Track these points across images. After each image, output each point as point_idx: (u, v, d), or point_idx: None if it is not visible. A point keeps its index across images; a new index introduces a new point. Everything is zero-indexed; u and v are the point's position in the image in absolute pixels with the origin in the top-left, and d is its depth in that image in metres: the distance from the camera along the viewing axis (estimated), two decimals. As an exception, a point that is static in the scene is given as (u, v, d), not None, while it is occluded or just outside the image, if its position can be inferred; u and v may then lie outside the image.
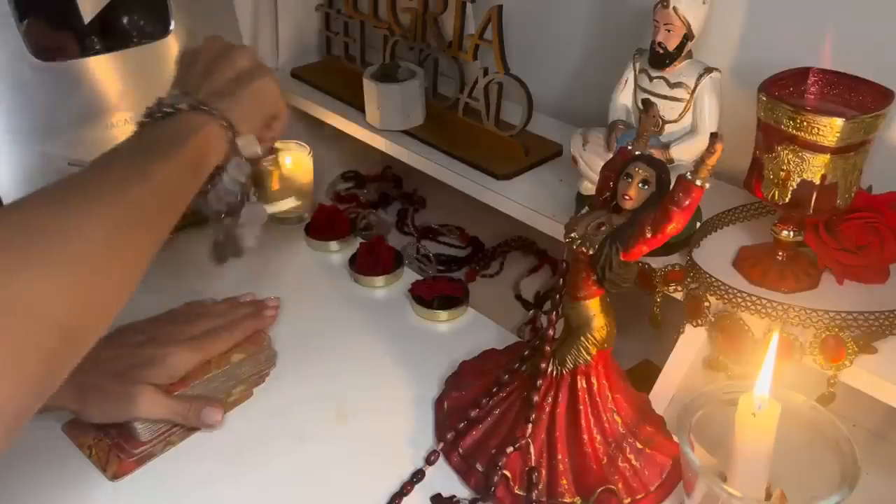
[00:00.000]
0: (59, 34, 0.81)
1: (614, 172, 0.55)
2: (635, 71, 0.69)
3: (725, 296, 0.63)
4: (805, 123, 0.56)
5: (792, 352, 0.60)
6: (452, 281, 0.82)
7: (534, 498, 0.58)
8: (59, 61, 0.79)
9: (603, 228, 0.55)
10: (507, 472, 0.59)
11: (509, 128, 0.86)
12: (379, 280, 0.84)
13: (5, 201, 0.75)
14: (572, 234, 0.56)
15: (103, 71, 0.81)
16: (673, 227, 0.51)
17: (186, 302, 0.78)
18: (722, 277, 0.64)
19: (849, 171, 0.59)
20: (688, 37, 0.64)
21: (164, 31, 0.85)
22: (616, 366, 0.62)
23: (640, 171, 0.53)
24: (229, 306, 0.76)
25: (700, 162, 0.48)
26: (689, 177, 0.49)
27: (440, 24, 0.91)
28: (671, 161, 0.66)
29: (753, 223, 0.72)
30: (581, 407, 0.59)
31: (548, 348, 0.60)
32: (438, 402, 0.69)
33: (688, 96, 0.66)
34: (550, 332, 0.60)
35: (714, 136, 0.47)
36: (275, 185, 0.72)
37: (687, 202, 0.49)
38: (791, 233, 0.64)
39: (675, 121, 0.67)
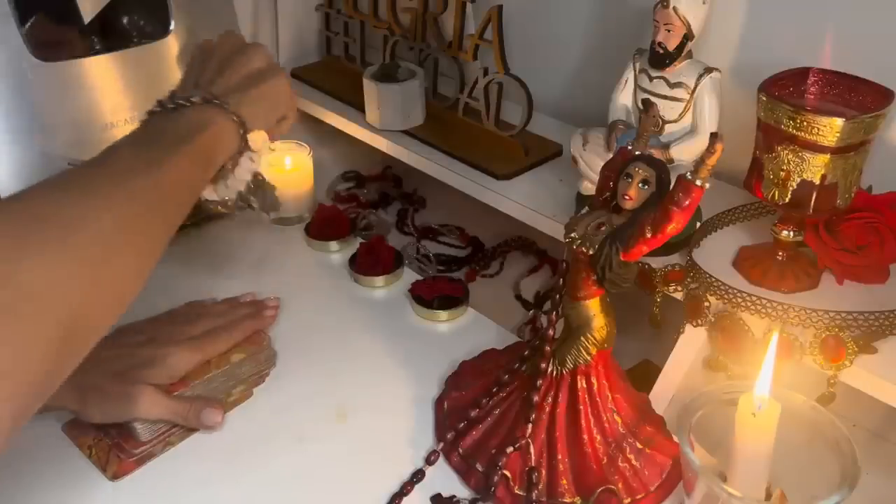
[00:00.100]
0: (59, 34, 0.81)
1: (614, 172, 0.55)
2: (635, 71, 0.69)
3: (725, 296, 0.63)
4: (805, 123, 0.56)
5: (792, 352, 0.60)
6: (452, 281, 0.82)
7: (534, 498, 0.58)
8: (59, 61, 0.79)
9: (603, 228, 0.55)
10: (507, 472, 0.60)
11: (509, 128, 0.86)
12: (379, 280, 0.84)
13: (5, 201, 0.75)
14: (572, 234, 0.56)
15: (103, 71, 0.81)
16: (673, 227, 0.51)
17: (186, 302, 0.78)
18: (722, 277, 0.64)
19: (849, 171, 0.59)
20: (688, 37, 0.64)
21: (164, 31, 0.85)
22: (616, 366, 0.62)
23: (640, 171, 0.53)
24: (229, 306, 0.76)
25: (700, 162, 0.48)
26: (689, 177, 0.49)
27: (440, 24, 0.91)
28: (671, 161, 0.66)
29: (753, 223, 0.72)
30: (581, 407, 0.59)
31: (548, 348, 0.60)
32: (438, 402, 0.69)
33: (688, 96, 0.66)
34: (550, 332, 0.60)
35: (714, 136, 0.47)
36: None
37: (687, 202, 0.49)
38: (791, 233, 0.64)
39: (675, 121, 0.67)
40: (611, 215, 0.56)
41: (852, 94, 0.60)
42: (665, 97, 0.66)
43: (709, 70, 0.65)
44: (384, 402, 0.70)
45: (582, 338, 0.58)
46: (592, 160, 0.71)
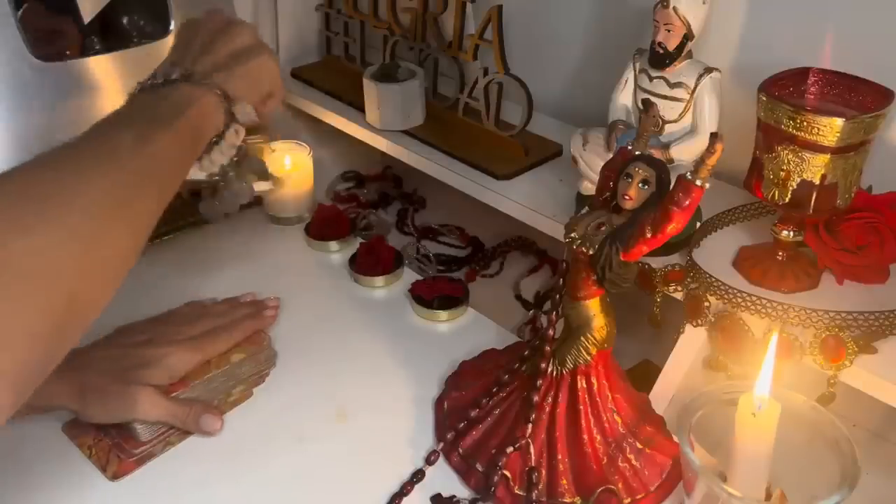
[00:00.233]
0: (58, 34, 0.81)
1: (614, 172, 0.55)
2: (635, 71, 0.69)
3: (725, 296, 0.63)
4: (805, 123, 0.56)
5: (792, 352, 0.60)
6: (452, 281, 0.82)
7: (534, 498, 0.58)
8: (59, 61, 0.79)
9: (603, 228, 0.55)
10: (507, 472, 0.59)
11: (509, 128, 0.86)
12: (379, 280, 0.84)
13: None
14: (572, 234, 0.56)
15: (103, 71, 0.81)
16: (673, 227, 0.51)
17: (186, 302, 0.78)
18: (722, 277, 0.64)
19: (849, 171, 0.59)
20: (688, 37, 0.64)
21: (164, 31, 0.85)
22: (616, 366, 0.62)
23: (640, 171, 0.53)
24: (229, 306, 0.76)
25: (700, 162, 0.48)
26: (689, 177, 0.49)
27: (440, 24, 0.91)
28: (671, 161, 0.66)
29: (753, 223, 0.72)
30: (581, 407, 0.59)
31: (548, 348, 0.60)
32: (438, 402, 0.69)
33: (688, 96, 0.66)
34: (550, 332, 0.60)
35: (714, 136, 0.47)
36: (258, 160, 0.72)
37: (687, 202, 0.49)
38: (791, 233, 0.64)
39: (675, 121, 0.67)
40: (611, 215, 0.56)
41: (852, 94, 0.60)
42: (665, 97, 0.66)
43: (709, 70, 0.65)
44: (384, 402, 0.70)
45: (582, 338, 0.58)
46: (592, 160, 0.70)
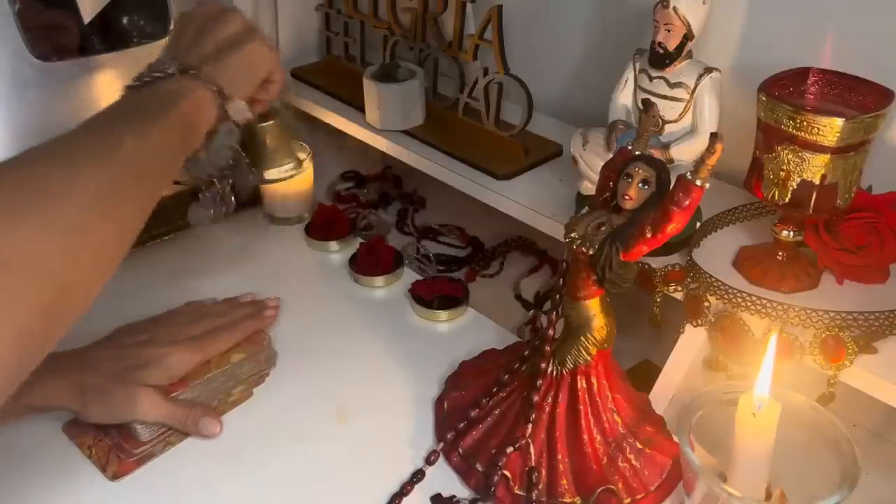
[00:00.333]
0: (58, 33, 0.81)
1: (614, 172, 0.55)
2: (635, 71, 0.69)
3: (725, 296, 0.63)
4: (805, 123, 0.56)
5: (792, 352, 0.60)
6: (452, 281, 0.82)
7: (534, 498, 0.58)
8: (59, 61, 0.79)
9: (603, 228, 0.55)
10: (507, 472, 0.60)
11: (509, 128, 0.85)
12: (379, 280, 0.84)
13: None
14: (572, 234, 0.56)
15: (103, 71, 0.81)
16: (673, 227, 0.51)
17: (186, 302, 0.78)
18: (722, 277, 0.64)
19: (849, 171, 0.59)
20: (688, 37, 0.64)
21: (164, 31, 0.85)
22: (616, 366, 0.62)
23: (640, 171, 0.53)
24: (229, 306, 0.76)
25: (700, 162, 0.48)
26: (689, 177, 0.49)
27: (440, 24, 0.91)
28: (671, 161, 0.66)
29: (753, 223, 0.72)
30: (581, 407, 0.59)
31: (548, 348, 0.60)
32: (438, 402, 0.69)
33: (688, 96, 0.66)
34: (550, 332, 0.60)
35: (714, 136, 0.47)
36: (269, 151, 0.71)
37: (687, 202, 0.49)
38: (791, 233, 0.64)
39: (675, 121, 0.67)
40: (611, 215, 0.56)
41: (852, 94, 0.60)
42: (665, 97, 0.66)
43: (709, 70, 0.65)
44: (384, 402, 0.70)
45: (582, 338, 0.58)
46: (592, 160, 0.70)
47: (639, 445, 0.60)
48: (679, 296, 0.67)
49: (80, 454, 0.64)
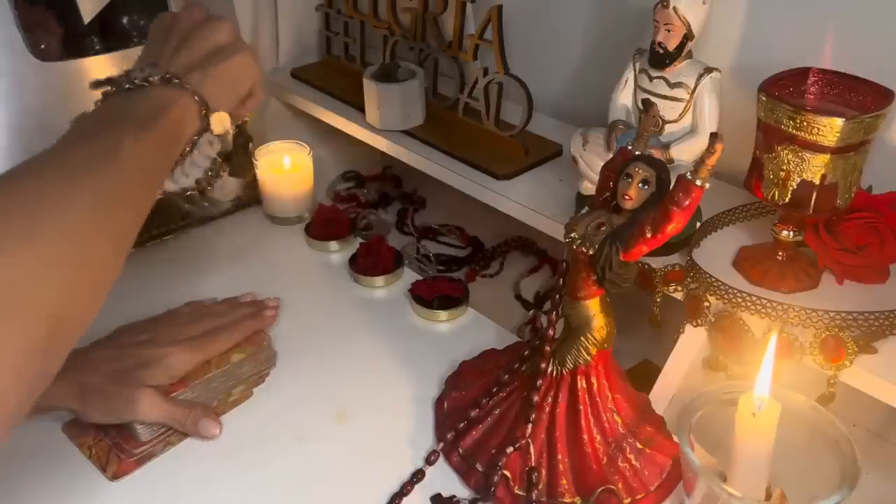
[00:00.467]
0: (58, 34, 0.81)
1: (614, 172, 0.55)
2: (635, 71, 0.69)
3: (725, 296, 0.63)
4: (805, 123, 0.56)
5: (792, 352, 0.60)
6: (452, 281, 0.82)
7: (534, 498, 0.58)
8: (59, 61, 0.79)
9: (603, 228, 0.55)
10: (507, 472, 0.60)
11: (509, 128, 0.85)
12: (379, 280, 0.84)
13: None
14: (572, 234, 0.56)
15: (103, 71, 0.81)
16: (673, 227, 0.51)
17: (186, 302, 0.78)
18: (722, 277, 0.64)
19: (849, 171, 0.59)
20: (688, 37, 0.64)
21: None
22: (616, 366, 0.62)
23: (640, 171, 0.53)
24: (229, 306, 0.76)
25: (700, 162, 0.48)
26: (689, 177, 0.49)
27: (440, 24, 0.91)
28: (671, 161, 0.66)
29: (753, 223, 0.72)
30: (581, 407, 0.59)
31: (548, 348, 0.60)
32: (438, 402, 0.69)
33: (688, 96, 0.66)
34: (550, 332, 0.60)
35: (714, 136, 0.47)
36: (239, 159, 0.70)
37: (687, 202, 0.49)
38: (791, 233, 0.64)
39: (675, 121, 0.67)
40: (611, 215, 0.56)
41: (852, 94, 0.60)
42: (665, 97, 0.66)
43: (709, 70, 0.65)
44: (384, 402, 0.70)
45: (582, 338, 0.58)
46: (592, 160, 0.70)
47: (639, 445, 0.60)
48: (679, 296, 0.67)
49: (80, 454, 0.64)
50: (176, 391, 0.66)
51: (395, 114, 0.91)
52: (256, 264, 0.88)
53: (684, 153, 0.66)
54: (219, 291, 0.80)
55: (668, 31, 0.64)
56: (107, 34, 0.85)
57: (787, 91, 0.61)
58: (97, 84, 0.55)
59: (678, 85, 0.66)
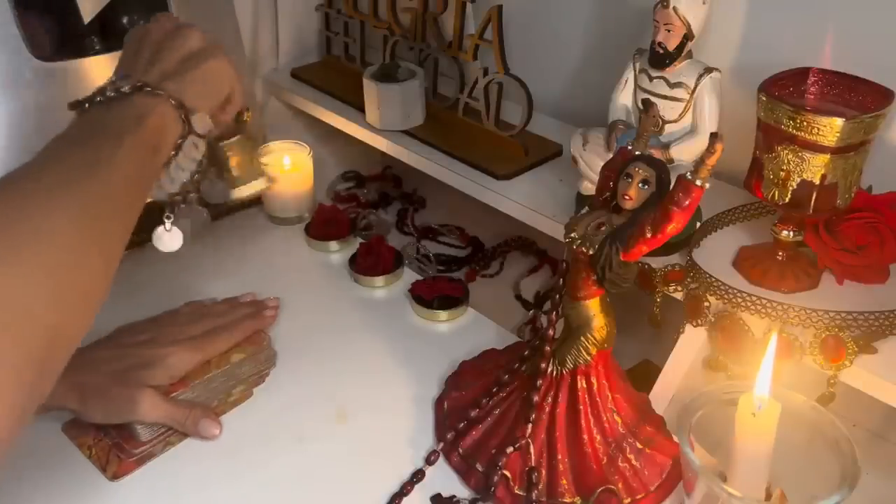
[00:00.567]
0: (58, 34, 0.81)
1: (614, 172, 0.55)
2: (635, 71, 0.69)
3: (725, 296, 0.63)
4: (805, 123, 0.56)
5: (792, 352, 0.60)
6: (452, 281, 0.82)
7: (534, 498, 0.58)
8: (59, 61, 0.79)
9: (603, 228, 0.55)
10: (507, 472, 0.59)
11: (509, 128, 0.86)
12: (379, 280, 0.84)
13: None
14: (572, 234, 0.56)
15: (103, 71, 0.81)
16: (673, 227, 0.51)
17: (186, 302, 0.78)
18: (722, 277, 0.64)
19: (849, 171, 0.59)
20: (688, 37, 0.64)
21: (164, 31, 0.85)
22: (616, 366, 0.62)
23: (640, 171, 0.53)
24: (229, 306, 0.76)
25: (700, 162, 0.48)
26: (689, 177, 0.49)
27: (440, 24, 0.91)
28: (671, 161, 0.66)
29: (753, 223, 0.72)
30: (581, 407, 0.59)
31: (548, 348, 0.60)
32: (438, 402, 0.69)
33: (688, 96, 0.66)
34: (550, 332, 0.60)
35: (714, 136, 0.47)
36: (236, 169, 0.70)
37: (687, 202, 0.49)
38: (791, 233, 0.64)
39: (675, 121, 0.67)
40: (611, 215, 0.56)
41: (852, 94, 0.60)
42: (665, 97, 0.66)
43: (709, 70, 0.65)
44: (384, 402, 0.70)
45: (582, 338, 0.58)
46: (592, 160, 0.70)
47: (639, 445, 0.60)
48: (679, 296, 0.67)
49: (80, 454, 0.64)
50: (176, 391, 0.66)
51: (395, 114, 0.91)
52: (256, 264, 0.88)
53: (684, 153, 0.66)
54: (219, 291, 0.80)
55: (668, 31, 0.64)
56: (107, 34, 0.85)
57: (787, 91, 0.61)
58: (76, 105, 0.55)
59: (678, 85, 0.66)
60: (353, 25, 1.01)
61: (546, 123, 0.91)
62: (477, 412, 0.64)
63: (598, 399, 0.60)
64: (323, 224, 0.91)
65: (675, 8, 0.62)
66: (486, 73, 0.85)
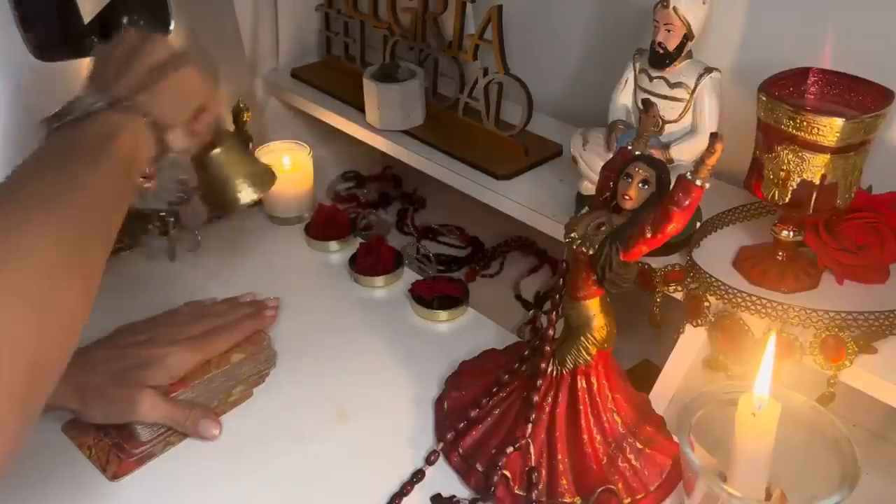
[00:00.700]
0: (59, 34, 0.81)
1: (614, 172, 0.55)
2: (635, 71, 0.69)
3: (725, 296, 0.63)
4: (805, 123, 0.56)
5: (792, 352, 0.60)
6: (452, 281, 0.82)
7: (534, 498, 0.58)
8: (59, 61, 0.79)
9: (603, 228, 0.55)
10: (507, 472, 0.59)
11: (509, 128, 0.85)
12: (379, 280, 0.84)
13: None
14: (572, 234, 0.56)
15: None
16: (673, 227, 0.51)
17: (186, 302, 0.78)
18: (722, 277, 0.64)
19: (849, 171, 0.59)
20: (688, 37, 0.64)
21: (164, 31, 0.85)
22: (616, 366, 0.62)
23: (640, 171, 0.53)
24: (229, 306, 0.76)
25: (700, 162, 0.48)
26: (689, 177, 0.49)
27: (440, 24, 0.91)
28: (671, 161, 0.66)
29: (753, 223, 0.72)
30: (581, 407, 0.59)
31: (548, 348, 0.60)
32: (438, 402, 0.69)
33: (688, 96, 0.66)
34: (550, 332, 0.60)
35: (714, 136, 0.47)
36: (234, 175, 0.69)
37: (687, 202, 0.49)
38: (791, 233, 0.64)
39: (675, 121, 0.67)
40: (611, 215, 0.56)
41: (852, 94, 0.60)
42: (665, 97, 0.66)
43: (709, 70, 0.65)
44: (384, 402, 0.70)
45: (582, 338, 0.58)
46: (592, 160, 0.70)
47: (639, 445, 0.60)
48: (679, 296, 0.67)
49: (80, 454, 0.64)
50: (176, 391, 0.66)
51: (395, 114, 0.91)
52: (256, 264, 0.88)
53: (684, 153, 0.66)
54: (218, 291, 0.80)
55: (668, 31, 0.64)
56: (107, 34, 0.85)
57: (787, 91, 0.61)
58: (47, 121, 0.54)
59: (678, 85, 0.66)
60: (353, 25, 1.01)
61: (546, 123, 0.91)
62: (477, 412, 0.64)
63: (598, 399, 0.60)
64: (323, 224, 0.91)
65: (675, 8, 0.62)
66: (486, 73, 0.85)
